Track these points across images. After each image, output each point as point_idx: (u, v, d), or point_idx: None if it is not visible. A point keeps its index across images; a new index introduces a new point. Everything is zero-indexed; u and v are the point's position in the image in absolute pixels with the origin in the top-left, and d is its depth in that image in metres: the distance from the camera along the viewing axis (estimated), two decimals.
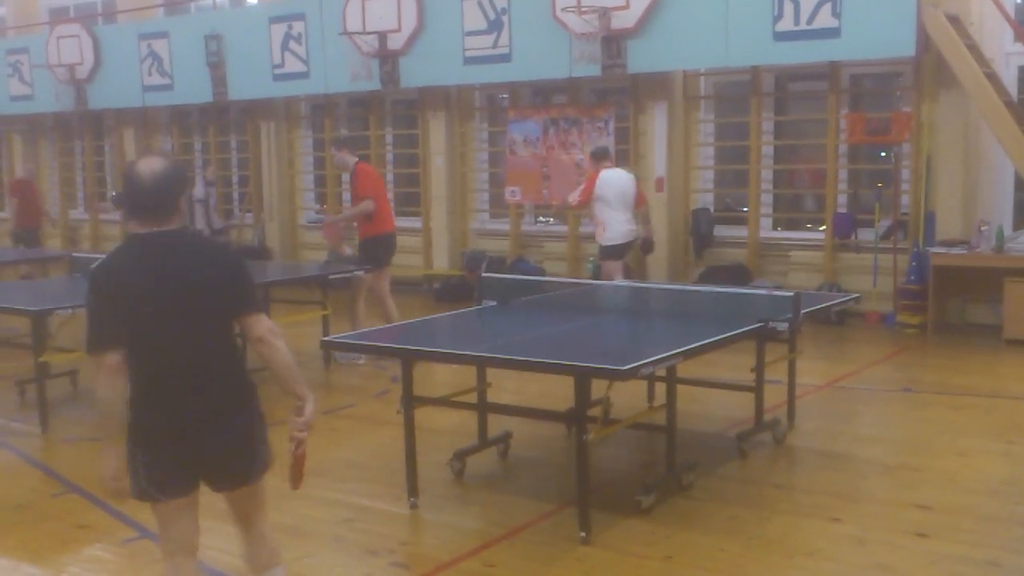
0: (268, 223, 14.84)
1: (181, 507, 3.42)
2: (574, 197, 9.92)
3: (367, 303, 9.11)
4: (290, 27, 13.51)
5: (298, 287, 9.88)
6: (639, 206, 9.85)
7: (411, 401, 5.30)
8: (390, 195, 13.64)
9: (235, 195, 15.65)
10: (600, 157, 9.83)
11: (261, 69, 13.81)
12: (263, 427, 3.53)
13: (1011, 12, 9.63)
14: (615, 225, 9.54)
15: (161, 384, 3.34)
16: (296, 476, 3.55)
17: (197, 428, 3.34)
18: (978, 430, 6.59)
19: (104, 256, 3.42)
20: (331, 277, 8.81)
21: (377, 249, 9.03)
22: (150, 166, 3.36)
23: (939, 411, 7.12)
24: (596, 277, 10.38)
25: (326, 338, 6.38)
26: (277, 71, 13.74)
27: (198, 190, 13.11)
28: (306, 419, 3.49)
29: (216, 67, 14.29)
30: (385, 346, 5.50)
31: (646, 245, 10.25)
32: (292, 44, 13.53)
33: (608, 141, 11.75)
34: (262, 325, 3.41)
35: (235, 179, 15.66)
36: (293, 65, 13.57)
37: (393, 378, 5.56)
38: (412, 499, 5.32)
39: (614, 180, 9.61)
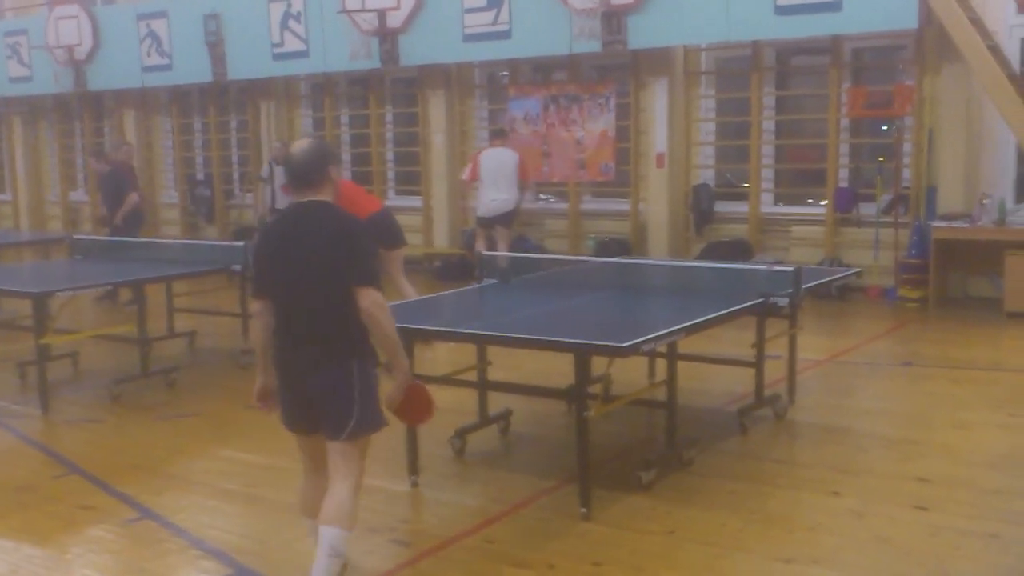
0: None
1: (305, 440, 4.05)
2: (465, 174, 11.27)
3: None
4: (289, 5, 13.48)
5: None
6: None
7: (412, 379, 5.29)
8: (390, 174, 13.68)
9: (235, 175, 15.62)
10: (492, 137, 11.28)
11: (260, 48, 13.79)
12: (366, 391, 3.90)
13: None
14: (481, 200, 10.96)
15: (286, 332, 3.94)
16: (413, 416, 4.26)
17: (302, 374, 3.89)
18: (978, 403, 6.60)
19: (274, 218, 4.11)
20: None
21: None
22: (300, 145, 4.07)
23: (940, 384, 7.13)
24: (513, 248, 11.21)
25: None
26: (276, 50, 13.71)
27: (264, 169, 12.92)
28: (394, 389, 4.04)
29: (215, 46, 14.26)
30: None
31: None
32: (291, 23, 13.49)
33: (609, 117, 11.74)
34: (368, 298, 3.80)
35: (235, 159, 15.63)
36: (292, 44, 13.54)
37: None
38: (413, 477, 5.33)
39: (487, 159, 10.87)
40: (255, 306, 4.05)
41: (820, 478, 5.27)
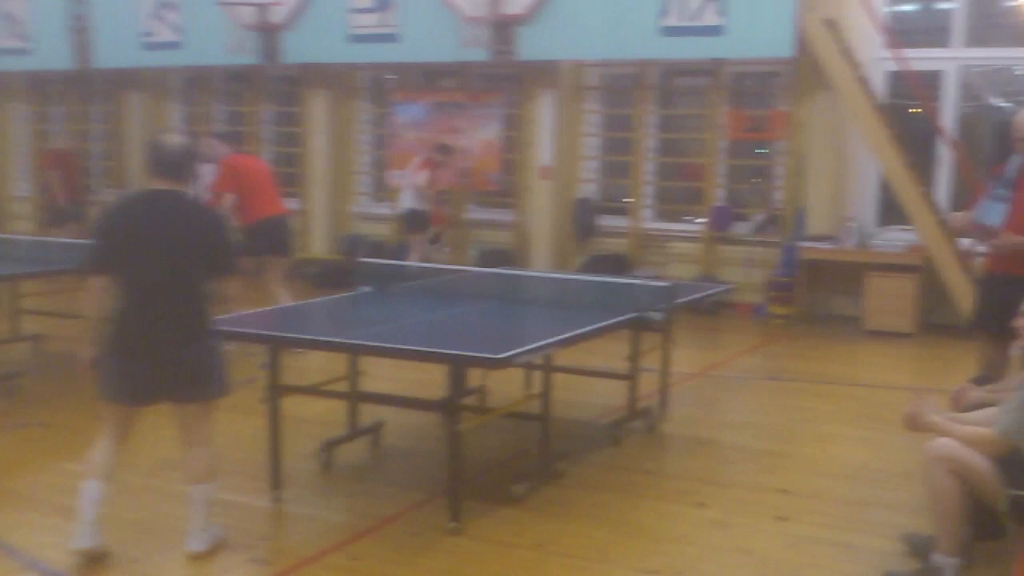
0: None
1: (133, 415, 4.41)
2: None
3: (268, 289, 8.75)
4: None
5: None
6: None
7: (277, 390, 5.15)
8: None
9: (94, 170, 14.83)
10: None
11: (129, 37, 13.25)
12: (215, 362, 4.38)
13: (882, 19, 9.97)
14: None
15: (141, 309, 4.22)
16: None
17: (158, 349, 4.21)
18: (838, 417, 6.85)
19: (120, 199, 4.49)
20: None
21: (248, 237, 8.61)
22: (174, 138, 4.39)
23: (803, 399, 7.38)
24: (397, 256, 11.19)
25: None
26: (147, 39, 13.20)
27: None
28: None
29: (80, 32, 13.59)
30: (249, 332, 5.32)
31: None
32: (164, 12, 13.03)
33: (496, 127, 11.77)
34: (233, 286, 4.44)
35: (96, 153, 14.89)
36: (165, 34, 13.07)
37: (261, 365, 5.38)
38: (275, 492, 5.14)
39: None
40: (96, 281, 4.27)
41: (687, 489, 5.38)
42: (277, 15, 12.18)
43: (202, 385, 4.36)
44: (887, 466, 5.72)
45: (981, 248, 6.31)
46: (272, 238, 8.73)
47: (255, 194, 8.65)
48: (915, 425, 4.18)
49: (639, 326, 5.95)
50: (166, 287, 4.24)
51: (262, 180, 8.84)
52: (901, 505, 5.07)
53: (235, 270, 4.47)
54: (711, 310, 10.26)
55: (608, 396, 6.84)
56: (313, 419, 6.15)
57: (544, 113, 11.55)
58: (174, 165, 4.30)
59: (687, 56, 10.59)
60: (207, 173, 11.37)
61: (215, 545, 4.51)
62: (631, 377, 6.31)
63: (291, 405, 5.36)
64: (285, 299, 8.32)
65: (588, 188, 11.85)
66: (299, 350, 6.43)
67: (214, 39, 12.53)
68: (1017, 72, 9.91)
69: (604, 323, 5.46)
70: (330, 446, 5.68)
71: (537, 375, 5.89)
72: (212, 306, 4.37)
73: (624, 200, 11.69)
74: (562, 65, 11.39)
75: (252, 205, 8.59)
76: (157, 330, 4.22)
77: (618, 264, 11.01)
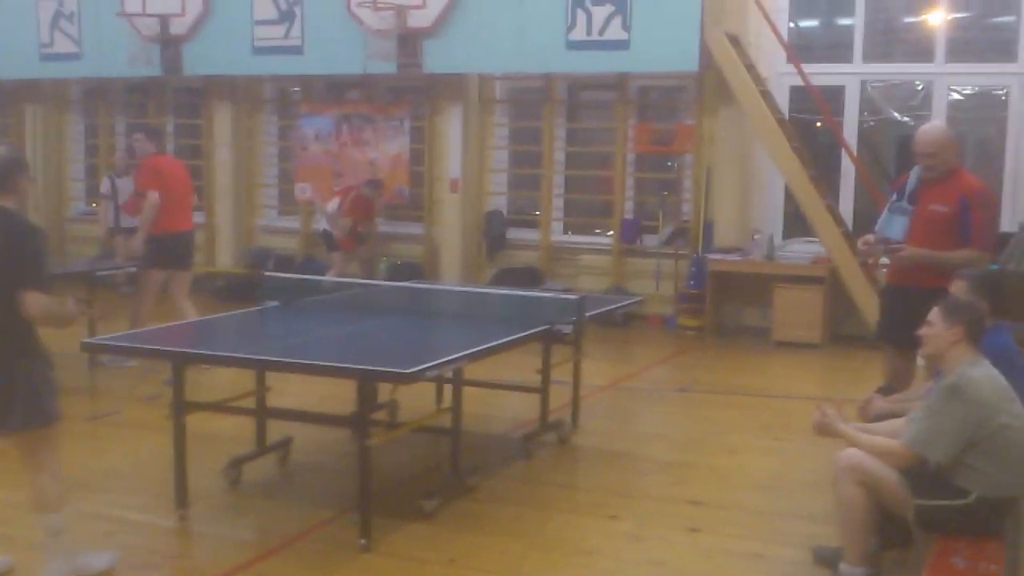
0: (33, 213, 13.88)
1: None
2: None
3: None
4: (61, 4, 12.66)
5: (63, 284, 9.13)
6: None
7: (182, 407, 5.02)
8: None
9: None
10: None
11: (27, 48, 12.86)
12: (34, 389, 4.02)
13: (785, 35, 10.18)
14: None
15: None
16: None
17: None
18: (748, 428, 6.91)
19: None
20: (99, 274, 8.26)
21: (156, 249, 8.39)
22: None
23: (713, 410, 7.43)
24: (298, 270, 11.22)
25: (87, 340, 5.94)
26: (45, 51, 12.84)
27: (104, 184, 11.59)
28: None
29: None
30: (151, 348, 5.16)
31: None
32: (63, 22, 12.68)
33: (403, 140, 11.70)
34: (34, 303, 3.91)
35: None
36: (64, 45, 12.72)
37: (166, 381, 5.25)
38: (181, 510, 5.02)
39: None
40: None
41: (599, 502, 5.36)
42: (179, 26, 11.93)
43: (16, 413, 4.02)
44: (797, 476, 5.78)
45: (884, 260, 6.44)
46: (178, 252, 8.49)
47: (171, 203, 8.36)
48: (825, 431, 4.22)
49: (550, 339, 5.94)
50: None
51: (181, 190, 8.59)
52: (811, 515, 5.10)
53: (41, 286, 3.98)
54: (621, 322, 10.31)
55: (519, 409, 6.80)
56: (220, 436, 5.98)
57: (452, 126, 11.50)
58: None
59: (593, 70, 10.66)
60: (124, 189, 11.14)
61: (82, 574, 4.27)
62: (542, 390, 6.28)
63: (197, 422, 5.24)
64: (191, 313, 8.14)
65: (498, 201, 11.83)
66: (205, 366, 6.26)
67: (115, 50, 12.23)
68: (917, 87, 10.20)
69: (515, 336, 5.43)
70: (237, 463, 5.54)
71: (448, 389, 5.83)
72: (31, 327, 4.02)
73: (534, 213, 11.71)
74: (469, 78, 11.36)
75: (166, 214, 8.33)
76: None
77: (528, 277, 11.00)
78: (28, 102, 13.78)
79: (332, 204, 11.11)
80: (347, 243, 11.18)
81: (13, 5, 12.99)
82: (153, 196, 8.23)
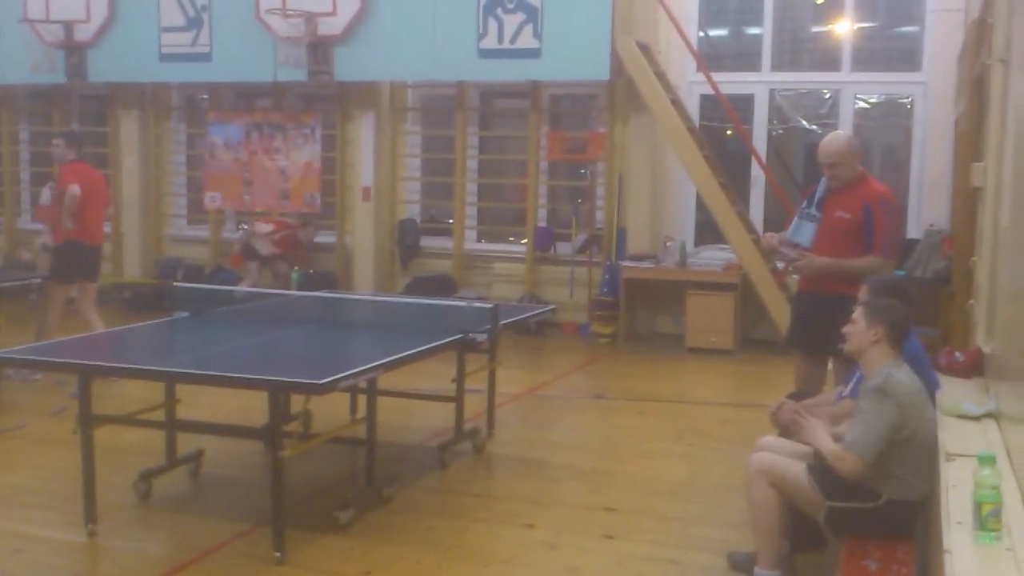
0: None
1: None
2: None
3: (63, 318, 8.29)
4: None
5: None
6: None
7: (90, 420, 4.90)
8: None
9: None
10: None
11: None
12: None
13: (694, 44, 10.36)
14: None
15: None
16: None
17: None
18: (662, 434, 6.99)
19: None
20: (3, 285, 8.03)
21: (64, 260, 8.20)
22: None
23: (627, 417, 7.50)
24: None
25: None
26: None
27: (43, 194, 11.27)
28: None
29: None
30: (56, 361, 5.03)
31: None
32: None
33: (314, 148, 11.60)
34: None
35: None
36: None
37: (73, 394, 5.13)
38: (90, 525, 4.91)
39: None
40: None
41: (515, 511, 5.37)
42: (84, 33, 11.67)
43: None
44: (710, 482, 5.86)
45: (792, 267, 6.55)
46: (87, 265, 8.29)
47: (87, 214, 8.16)
48: (787, 424, 4.25)
49: (464, 347, 5.93)
50: None
51: (98, 202, 8.38)
52: (725, 520, 5.18)
53: None
54: (536, 330, 10.35)
55: (435, 418, 6.78)
56: (129, 449, 5.85)
57: (364, 134, 11.44)
58: None
59: (505, 78, 10.72)
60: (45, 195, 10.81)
61: None
62: (457, 399, 6.27)
63: (106, 435, 5.15)
64: (98, 325, 7.96)
65: (411, 209, 11.79)
66: (114, 378, 6.11)
67: (17, 57, 11.94)
68: (825, 95, 10.46)
69: (429, 345, 5.41)
70: (147, 476, 5.44)
71: (362, 399, 5.78)
72: None
73: (447, 221, 11.70)
74: (381, 86, 11.32)
75: (79, 223, 8.11)
76: None
77: (442, 285, 10.98)
78: None
79: (265, 227, 11.16)
80: (268, 258, 11.18)
81: None
82: (74, 188, 7.99)
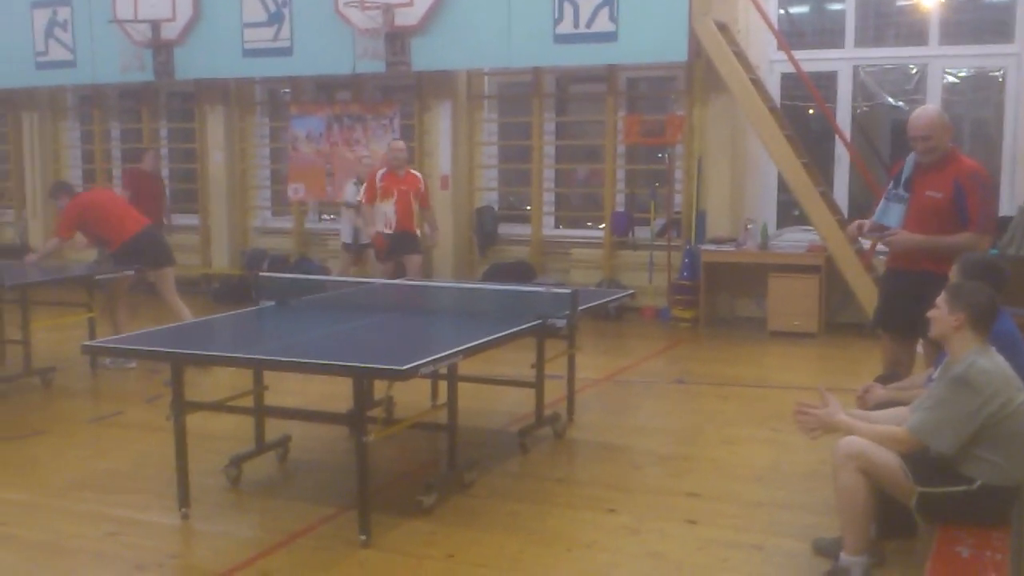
0: (31, 220, 13.90)
1: None
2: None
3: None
4: (55, 12, 12.70)
5: (62, 288, 9.22)
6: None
7: (182, 407, 5.06)
8: (167, 191, 13.05)
9: None
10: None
11: (22, 56, 12.92)
12: None
13: (774, 21, 10.19)
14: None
15: None
16: None
17: None
18: (744, 419, 6.91)
19: None
20: (98, 278, 8.30)
21: (130, 256, 8.45)
22: None
23: (709, 401, 7.44)
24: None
25: (88, 343, 5.97)
26: (40, 59, 12.90)
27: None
28: None
29: None
30: (151, 350, 5.20)
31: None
32: (57, 31, 12.73)
33: (394, 138, 11.67)
34: None
35: None
36: (58, 53, 12.78)
37: (166, 382, 5.30)
38: (183, 509, 5.06)
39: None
40: None
41: (597, 495, 5.37)
42: (170, 31, 11.96)
43: None
44: (794, 467, 5.78)
45: (882, 248, 6.41)
46: (146, 252, 8.50)
47: (111, 219, 8.47)
48: (823, 426, 4.19)
49: (543, 333, 5.95)
50: None
51: (111, 206, 8.71)
52: (810, 506, 5.11)
53: None
54: (615, 315, 10.32)
55: (515, 404, 6.81)
56: (220, 435, 6.02)
57: (442, 123, 11.51)
58: None
59: (581, 63, 10.67)
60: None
61: None
62: (537, 385, 6.30)
63: (197, 421, 5.28)
64: (184, 312, 8.20)
65: (488, 196, 11.84)
66: (203, 366, 6.29)
67: (107, 57, 12.30)
68: (911, 70, 10.19)
69: (508, 331, 5.43)
70: (237, 462, 5.58)
71: (443, 385, 5.84)
72: None
73: (525, 208, 11.71)
74: (458, 75, 11.38)
75: (113, 230, 8.43)
76: None
77: (521, 271, 11.01)
78: (25, 110, 13.85)
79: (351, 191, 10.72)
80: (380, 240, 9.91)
81: (8, 14, 13.02)
82: (53, 243, 8.80)
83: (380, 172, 9.85)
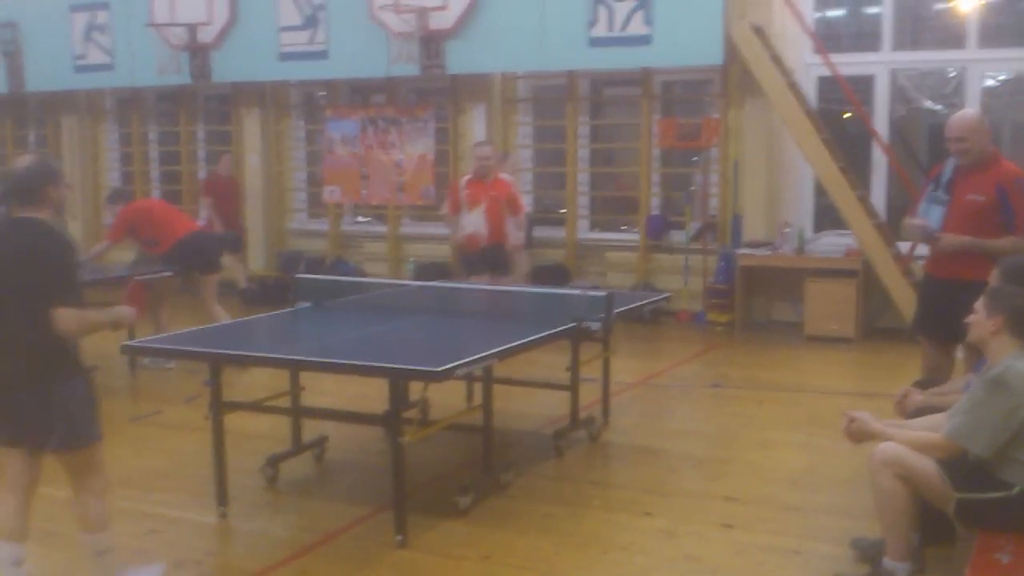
0: (70, 222, 14.06)
1: (11, 454, 3.99)
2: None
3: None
4: (93, 16, 12.86)
5: (103, 289, 9.30)
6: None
7: (220, 406, 5.10)
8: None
9: None
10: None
11: (62, 60, 13.11)
12: (71, 410, 3.90)
13: (810, 25, 10.12)
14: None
15: None
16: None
17: (5, 390, 3.87)
18: (781, 423, 6.88)
19: None
20: (137, 279, 8.40)
21: (177, 259, 8.61)
22: (23, 161, 4.20)
23: (745, 406, 7.40)
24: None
25: (128, 342, 6.03)
26: (79, 62, 13.07)
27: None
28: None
29: (12, 56, 13.44)
30: (190, 350, 5.26)
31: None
32: (95, 34, 12.89)
33: (428, 141, 11.73)
34: (62, 320, 3.81)
35: None
36: (96, 56, 12.94)
37: (205, 382, 5.35)
38: (221, 508, 5.12)
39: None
40: None
41: (633, 499, 5.36)
42: (207, 35, 12.07)
43: (43, 435, 3.91)
44: (832, 472, 5.74)
45: (922, 251, 6.35)
46: (192, 257, 8.64)
47: (161, 224, 8.66)
48: (859, 435, 4.16)
49: (578, 336, 5.94)
50: (12, 322, 3.87)
51: (162, 211, 8.98)
52: (847, 510, 5.07)
53: (68, 302, 3.85)
54: (650, 319, 10.28)
55: (550, 407, 6.81)
56: (257, 435, 6.07)
57: (476, 126, 11.54)
58: (20, 191, 3.98)
59: (616, 66, 10.65)
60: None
61: None
62: (572, 387, 6.29)
63: (234, 421, 5.33)
64: (222, 316, 8.27)
65: (523, 200, 11.81)
66: (240, 367, 6.35)
67: (145, 60, 12.44)
68: (950, 74, 10.08)
69: (543, 334, 5.44)
70: (275, 461, 5.62)
71: (478, 387, 5.85)
72: (68, 346, 3.91)
73: (559, 211, 11.70)
74: (492, 78, 11.39)
75: (163, 234, 8.60)
76: (4, 369, 3.89)
77: (557, 274, 10.99)
78: (64, 113, 14.02)
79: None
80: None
81: (47, 18, 13.19)
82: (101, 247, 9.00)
83: (464, 179, 8.98)
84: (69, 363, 3.95)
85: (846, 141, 10.16)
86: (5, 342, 3.88)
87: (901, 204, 9.51)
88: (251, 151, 12.77)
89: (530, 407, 7.04)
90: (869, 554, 4.32)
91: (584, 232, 11.53)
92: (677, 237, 10.86)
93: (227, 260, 10.48)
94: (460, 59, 10.90)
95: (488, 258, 8.66)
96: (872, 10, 10.30)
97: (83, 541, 4.12)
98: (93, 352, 3.96)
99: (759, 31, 9.80)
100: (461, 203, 8.81)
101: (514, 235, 8.93)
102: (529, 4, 10.48)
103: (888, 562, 4.02)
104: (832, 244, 10.13)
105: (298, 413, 5.74)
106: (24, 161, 4.23)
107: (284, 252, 12.68)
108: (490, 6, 10.65)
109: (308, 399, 5.85)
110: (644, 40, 10.11)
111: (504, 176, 9.13)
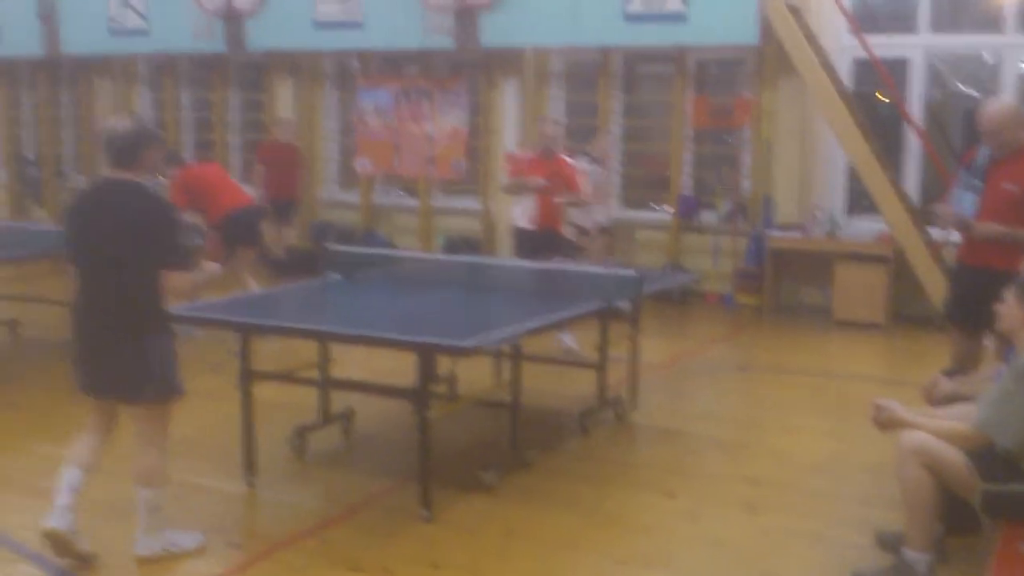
0: None
1: (106, 406, 4.30)
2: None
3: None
4: None
5: None
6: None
7: (249, 376, 5.15)
8: (235, 161, 13.21)
9: (65, 155, 14.88)
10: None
11: (97, 24, 13.16)
12: (162, 364, 4.17)
13: (847, 5, 10.00)
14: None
15: (87, 301, 4.15)
16: None
17: (101, 344, 4.11)
18: (807, 408, 6.86)
19: (82, 187, 4.27)
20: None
21: (226, 231, 8.72)
22: (121, 122, 4.18)
23: (771, 389, 7.39)
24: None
25: None
26: (114, 26, 13.12)
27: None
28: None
29: (48, 19, 13.50)
30: (220, 319, 5.30)
31: None
32: None
33: (460, 114, 11.70)
34: (177, 280, 4.12)
35: (67, 138, 14.88)
36: (131, 21, 12.97)
37: (232, 352, 5.40)
38: (249, 477, 5.18)
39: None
40: (69, 269, 4.25)
41: (656, 479, 5.38)
42: (242, 2, 12.07)
43: (138, 386, 4.16)
44: (857, 458, 5.73)
45: (954, 238, 6.29)
46: (240, 231, 8.73)
47: (210, 193, 8.70)
48: (888, 424, 4.14)
49: (607, 315, 5.94)
50: (106, 280, 4.08)
51: (214, 180, 8.96)
52: (871, 498, 5.07)
53: (182, 265, 4.15)
54: (679, 299, 10.26)
55: (577, 385, 6.82)
56: (284, 405, 6.10)
57: (509, 100, 11.50)
58: (120, 151, 4.11)
59: (650, 43, 10.56)
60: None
61: (171, 551, 4.36)
62: (600, 366, 6.29)
63: (262, 391, 5.35)
64: (254, 288, 8.34)
65: (586, 183, 11.74)
66: (268, 338, 6.40)
67: (180, 25, 12.46)
68: (986, 59, 9.92)
69: (572, 312, 5.44)
70: (302, 432, 5.66)
71: (506, 363, 5.87)
72: (162, 302, 4.16)
73: None
74: (525, 52, 11.33)
75: (210, 204, 8.66)
76: (96, 324, 4.13)
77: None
78: (98, 76, 14.09)
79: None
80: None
81: None
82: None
83: (526, 155, 8.55)
84: (162, 319, 4.20)
85: (880, 124, 10.05)
86: (105, 300, 4.08)
87: (934, 190, 9.42)
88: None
89: (556, 386, 7.05)
90: (891, 545, 4.31)
91: (615, 210, 11.48)
92: (708, 218, 10.81)
93: (270, 230, 10.55)
94: (494, 32, 10.85)
95: (538, 243, 7.96)
96: None
97: (138, 496, 4.29)
98: None
99: (795, 11, 9.68)
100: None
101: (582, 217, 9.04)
102: None
103: (910, 552, 4.01)
104: (864, 229, 10.04)
105: (326, 384, 5.77)
106: (122, 121, 4.17)
107: (315, 222, 12.71)
108: None
109: (337, 371, 5.88)
110: (679, 17, 10.03)
111: (567, 157, 8.45)
